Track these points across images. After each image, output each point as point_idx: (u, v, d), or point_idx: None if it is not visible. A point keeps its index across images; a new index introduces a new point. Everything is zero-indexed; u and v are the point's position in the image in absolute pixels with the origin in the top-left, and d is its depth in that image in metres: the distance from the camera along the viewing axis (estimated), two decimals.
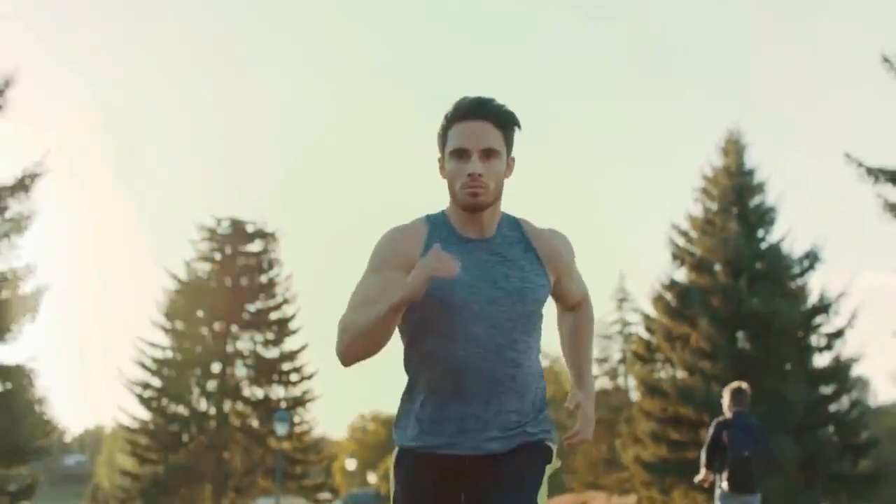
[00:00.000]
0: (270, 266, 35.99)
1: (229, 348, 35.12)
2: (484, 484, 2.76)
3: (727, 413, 8.29)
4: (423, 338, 2.82)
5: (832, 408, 29.04)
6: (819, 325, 29.04)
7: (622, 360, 42.52)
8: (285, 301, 35.89)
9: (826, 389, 28.80)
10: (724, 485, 8.16)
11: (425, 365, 2.82)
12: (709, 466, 8.21)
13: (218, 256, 35.78)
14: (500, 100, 2.83)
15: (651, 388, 29.83)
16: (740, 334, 28.69)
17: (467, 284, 2.75)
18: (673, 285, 29.99)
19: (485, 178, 2.74)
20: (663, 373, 31.23)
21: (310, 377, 35.66)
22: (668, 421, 29.11)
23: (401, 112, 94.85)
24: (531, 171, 79.62)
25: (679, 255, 30.08)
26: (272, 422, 33.41)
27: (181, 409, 34.53)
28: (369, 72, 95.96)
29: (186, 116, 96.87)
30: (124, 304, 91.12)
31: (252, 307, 35.54)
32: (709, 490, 26.27)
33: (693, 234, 30.24)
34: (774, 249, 29.25)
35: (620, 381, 44.32)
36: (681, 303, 29.52)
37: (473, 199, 2.74)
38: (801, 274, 29.36)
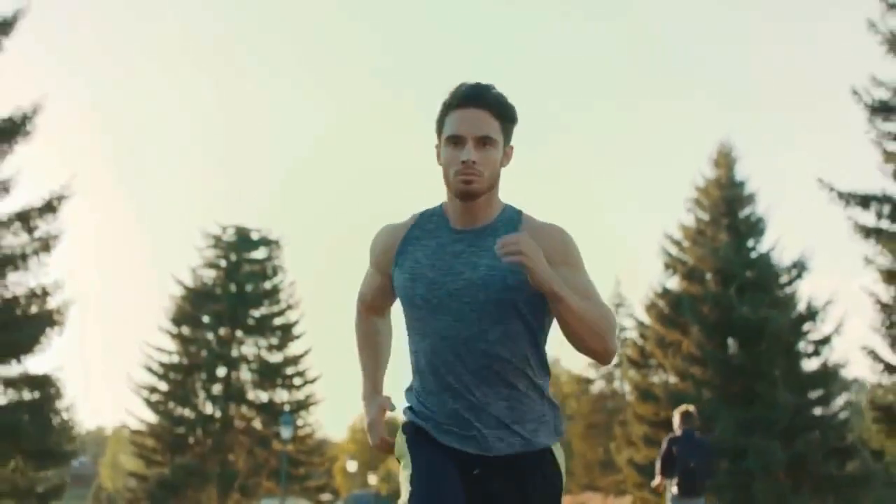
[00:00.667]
0: (274, 273, 37.67)
1: (234, 353, 36.72)
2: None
3: (677, 431, 10.24)
4: (409, 337, 2.95)
5: (820, 411, 30.71)
6: (807, 332, 30.74)
7: (618, 365, 44.22)
8: (289, 307, 37.55)
9: (814, 394, 30.47)
10: (674, 489, 10.06)
11: (413, 362, 2.95)
12: (662, 474, 10.10)
13: (223, 263, 37.42)
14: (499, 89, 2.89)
15: (644, 393, 31.56)
16: (730, 341, 30.38)
17: (429, 280, 2.83)
18: (665, 293, 31.71)
19: (479, 165, 2.78)
20: (656, 378, 32.95)
21: (313, 381, 37.32)
22: (660, 425, 30.78)
23: (400, 112, 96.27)
24: (529, 172, 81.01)
25: (671, 265, 31.79)
26: (276, 424, 35.13)
27: (187, 412, 36.11)
28: (369, 72, 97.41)
29: (186, 117, 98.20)
30: (122, 305, 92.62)
31: (256, 313, 37.15)
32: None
33: (685, 243, 31.96)
34: (764, 258, 30.91)
35: (617, 385, 46.03)
36: (673, 310, 31.21)
37: (466, 186, 2.79)
38: (790, 282, 31.06)
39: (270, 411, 36.48)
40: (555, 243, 2.84)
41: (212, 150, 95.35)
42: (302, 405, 37.08)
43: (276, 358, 37.21)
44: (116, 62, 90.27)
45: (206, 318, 36.81)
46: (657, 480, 10.34)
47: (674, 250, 32.02)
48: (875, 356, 20.16)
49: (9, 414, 19.94)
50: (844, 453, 30.08)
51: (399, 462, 2.93)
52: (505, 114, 2.83)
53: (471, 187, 2.78)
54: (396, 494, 34.01)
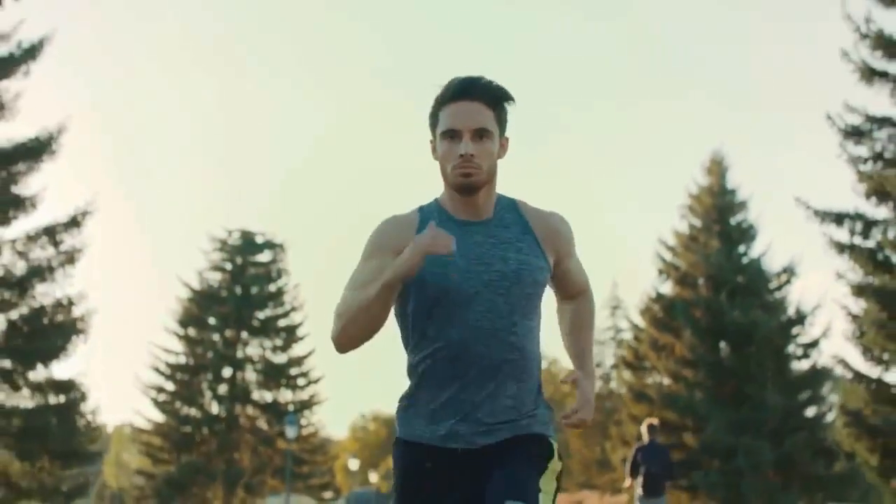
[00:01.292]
0: (279, 275, 39.41)
1: (240, 354, 38.37)
2: (486, 486, 2.82)
3: (644, 440, 12.36)
4: (421, 324, 2.88)
5: (808, 413, 32.55)
6: (796, 335, 32.61)
7: (615, 366, 46.11)
8: (293, 309, 39.26)
9: (803, 395, 32.29)
10: (639, 490, 12.20)
11: (423, 351, 2.88)
12: (630, 476, 12.28)
13: (229, 266, 39.12)
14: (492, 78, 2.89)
15: (638, 394, 33.44)
16: (722, 344, 32.21)
17: (463, 268, 2.82)
18: (659, 298, 33.57)
19: (477, 158, 2.80)
20: (650, 379, 34.84)
21: (316, 381, 39.00)
22: None
23: (400, 112, 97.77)
24: (529, 171, 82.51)
25: (665, 270, 33.65)
26: (280, 424, 36.96)
27: (194, 412, 37.68)
28: (368, 72, 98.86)
29: (186, 117, 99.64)
30: (122, 306, 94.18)
31: (261, 315, 38.81)
32: (689, 489, 30.13)
33: (679, 249, 33.83)
34: (754, 264, 32.73)
35: (613, 385, 47.87)
36: (666, 314, 33.05)
37: (466, 179, 2.81)
38: (780, 287, 32.93)
39: (275, 411, 38.10)
40: (564, 237, 2.98)
41: (212, 150, 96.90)
42: (305, 405, 38.72)
43: (280, 359, 38.86)
44: (116, 62, 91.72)
45: (212, 320, 38.42)
46: (627, 482, 12.46)
47: (668, 255, 33.85)
48: (846, 364, 22.05)
49: (37, 416, 21.88)
50: (832, 453, 31.76)
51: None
52: (498, 101, 2.87)
53: (471, 180, 2.82)
54: None
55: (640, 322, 34.64)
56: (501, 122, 2.88)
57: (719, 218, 33.07)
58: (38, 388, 22.04)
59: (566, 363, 61.66)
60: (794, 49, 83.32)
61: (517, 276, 2.83)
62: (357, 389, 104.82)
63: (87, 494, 23.57)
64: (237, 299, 38.38)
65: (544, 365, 55.53)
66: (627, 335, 34.63)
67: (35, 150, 21.83)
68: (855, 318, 21.33)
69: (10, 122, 22.02)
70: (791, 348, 32.58)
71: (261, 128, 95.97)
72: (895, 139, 20.85)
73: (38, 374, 22.08)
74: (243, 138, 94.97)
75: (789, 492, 30.73)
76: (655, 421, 13.26)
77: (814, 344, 32.03)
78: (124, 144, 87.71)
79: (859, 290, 21.10)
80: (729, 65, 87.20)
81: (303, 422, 38.20)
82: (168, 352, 37.89)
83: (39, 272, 21.96)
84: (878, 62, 21.07)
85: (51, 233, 21.97)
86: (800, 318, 32.34)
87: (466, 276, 2.82)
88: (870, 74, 20.89)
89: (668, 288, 33.76)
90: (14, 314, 21.94)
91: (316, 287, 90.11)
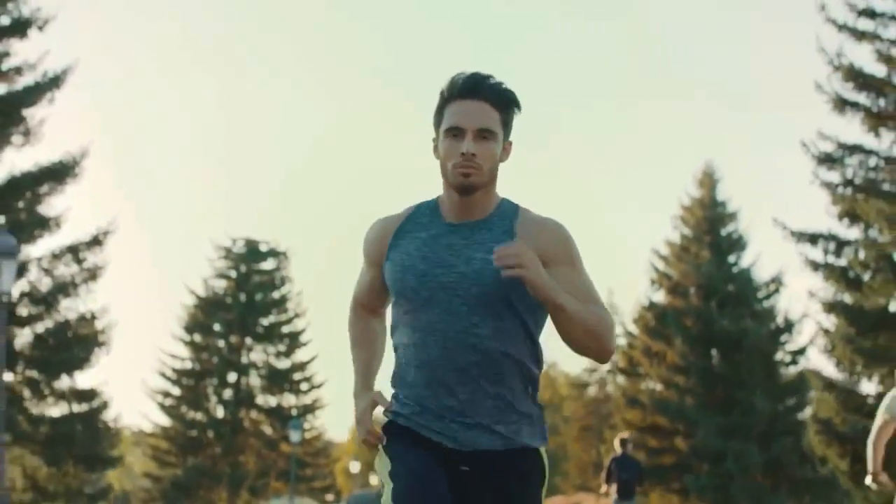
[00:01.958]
0: (282, 283, 41.42)
1: (244, 359, 40.37)
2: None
3: (618, 451, 14.73)
4: (395, 331, 3.00)
5: (795, 417, 34.55)
6: (784, 343, 34.73)
7: (612, 371, 48.14)
8: (296, 315, 41.30)
9: (790, 401, 34.28)
10: (615, 495, 14.59)
11: (398, 357, 3.00)
12: (606, 483, 14.62)
13: (233, 274, 41.07)
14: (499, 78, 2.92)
15: (631, 400, 35.56)
16: (712, 352, 34.26)
17: (420, 272, 2.89)
18: (651, 307, 35.69)
19: (479, 158, 2.82)
20: (644, 385, 36.92)
21: (319, 386, 41.03)
22: (646, 430, 34.75)
23: (401, 113, 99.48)
24: (529, 171, 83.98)
25: (658, 280, 35.76)
26: (284, 428, 38.99)
27: (199, 416, 39.70)
28: (369, 72, 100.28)
29: (186, 117, 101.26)
30: (124, 310, 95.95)
31: (265, 321, 40.81)
32: (680, 492, 32.20)
33: (671, 259, 35.91)
34: (744, 274, 34.78)
35: (610, 389, 49.93)
36: (659, 323, 35.13)
37: (465, 178, 2.83)
38: (768, 296, 35.04)
39: (278, 415, 40.09)
40: (555, 241, 2.90)
41: (212, 151, 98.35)
42: (308, 409, 40.74)
43: (283, 364, 40.91)
44: (116, 62, 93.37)
45: (217, 326, 40.40)
46: (603, 488, 14.84)
47: (660, 265, 35.92)
48: (818, 375, 24.21)
49: (63, 424, 24.10)
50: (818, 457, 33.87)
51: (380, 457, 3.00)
52: (505, 104, 2.89)
53: (469, 180, 2.83)
54: None
55: (634, 329, 36.76)
56: (507, 125, 2.91)
57: (710, 229, 35.10)
58: (62, 396, 24.23)
59: (566, 366, 63.77)
60: (794, 49, 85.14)
61: (478, 275, 2.84)
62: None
63: (108, 498, 25.81)
64: (242, 306, 40.21)
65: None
66: (622, 342, 36.70)
67: (59, 173, 23.99)
68: (826, 332, 23.51)
69: (35, 147, 24.10)
70: (779, 355, 34.64)
71: (261, 128, 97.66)
72: (865, 165, 23.02)
73: (63, 383, 24.29)
74: (243, 139, 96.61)
75: (777, 494, 32.58)
76: (626, 435, 15.92)
77: (801, 351, 34.01)
78: (123, 144, 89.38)
79: (830, 307, 23.29)
80: (729, 65, 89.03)
81: (305, 426, 39.90)
82: (174, 357, 39.72)
83: (64, 288, 24.11)
84: (850, 93, 23.28)
85: (74, 251, 24.14)
86: (787, 327, 34.39)
87: (422, 280, 2.88)
88: (842, 105, 23.08)
89: (660, 297, 35.83)
90: (40, 327, 24.15)
91: (317, 293, 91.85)
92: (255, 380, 40.67)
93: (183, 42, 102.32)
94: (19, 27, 24.09)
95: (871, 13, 23.21)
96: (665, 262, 35.97)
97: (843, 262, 23.46)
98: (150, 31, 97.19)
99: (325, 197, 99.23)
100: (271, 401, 40.79)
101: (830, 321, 23.50)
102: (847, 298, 23.26)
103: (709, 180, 35.71)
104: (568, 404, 53.60)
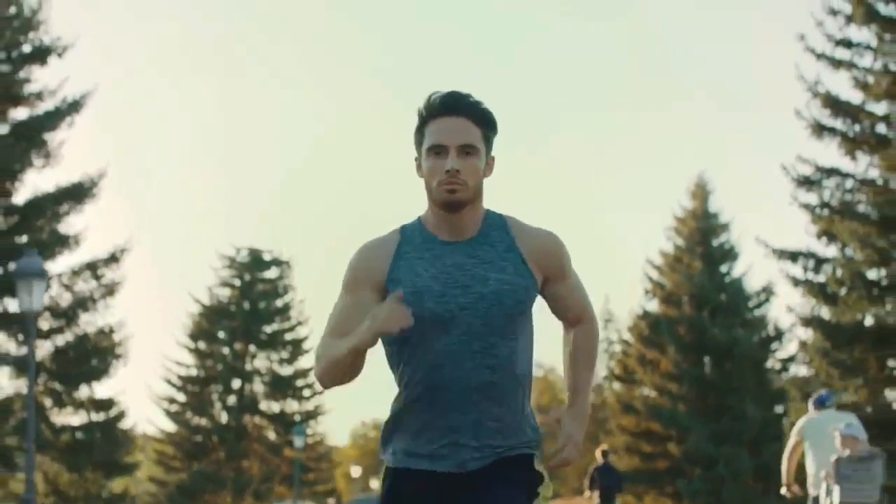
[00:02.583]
0: (285, 291, 43.13)
1: (248, 366, 42.03)
2: None
3: (600, 461, 16.78)
4: (401, 351, 2.97)
5: (785, 424, 36.34)
6: (774, 351, 36.66)
7: (606, 378, 49.93)
8: (299, 323, 43.01)
9: (780, 408, 36.04)
10: (597, 500, 16.61)
11: (405, 377, 2.97)
12: (590, 490, 16.65)
13: (237, 283, 42.77)
14: (494, 100, 3.01)
15: (626, 406, 37.50)
16: (705, 360, 36.12)
17: (437, 293, 2.89)
18: (646, 315, 37.60)
19: (463, 174, 2.87)
20: (638, 392, 38.80)
21: (321, 392, 42.54)
22: (640, 435, 36.68)
23: (400, 114, 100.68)
24: (528, 172, 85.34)
25: (651, 289, 37.66)
26: (287, 433, 40.74)
27: (204, 422, 41.34)
28: (368, 73, 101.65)
29: (186, 117, 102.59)
30: (129, 317, 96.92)
31: (269, 329, 42.51)
32: (673, 496, 34.01)
33: (664, 269, 37.80)
34: (735, 284, 36.68)
35: (606, 395, 51.70)
36: (652, 331, 37.04)
37: (451, 195, 2.87)
38: (759, 306, 36.96)
39: (282, 421, 41.85)
40: (555, 258, 3.01)
41: (212, 152, 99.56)
42: (311, 415, 42.52)
43: (287, 371, 42.62)
44: (116, 62, 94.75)
45: (221, 334, 42.08)
46: (587, 494, 16.84)
47: (654, 275, 37.81)
48: (796, 385, 26.18)
49: (84, 431, 26.12)
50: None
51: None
52: (486, 121, 2.94)
53: (455, 196, 2.87)
54: None
55: (629, 338, 38.68)
56: (488, 140, 2.95)
57: (702, 240, 36.99)
58: (82, 406, 26.21)
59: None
60: (794, 49, 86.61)
61: (497, 297, 2.88)
62: (358, 398, 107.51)
63: (126, 502, 27.84)
64: (245, 314, 41.91)
65: (539, 373, 58.87)
66: (617, 349, 38.71)
67: (78, 194, 25.94)
68: (804, 345, 25.48)
69: (55, 168, 26.04)
70: (769, 363, 36.59)
71: (261, 128, 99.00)
72: (842, 188, 24.98)
73: (82, 393, 26.26)
74: (243, 139, 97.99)
75: (767, 498, 34.24)
76: (606, 447, 18.32)
77: (791, 359, 35.82)
78: (122, 144, 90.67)
79: (807, 322, 25.27)
80: (729, 65, 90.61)
81: (308, 431, 41.40)
82: (180, 364, 41.36)
83: (83, 303, 26.06)
84: (827, 119, 25.25)
85: (93, 268, 26.11)
86: (777, 335, 36.32)
87: (440, 301, 2.89)
88: (820, 130, 25.05)
89: (654, 306, 37.72)
90: (61, 340, 26.07)
91: (319, 301, 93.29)
92: (258, 386, 42.29)
93: (183, 42, 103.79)
94: (40, 55, 25.97)
95: (847, 43, 25.19)
96: (659, 272, 37.83)
97: (821, 278, 25.38)
98: (150, 31, 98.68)
99: (326, 199, 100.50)
100: (274, 407, 42.47)
101: (808, 335, 25.44)
102: (824, 313, 25.20)
103: (701, 192, 37.53)
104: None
